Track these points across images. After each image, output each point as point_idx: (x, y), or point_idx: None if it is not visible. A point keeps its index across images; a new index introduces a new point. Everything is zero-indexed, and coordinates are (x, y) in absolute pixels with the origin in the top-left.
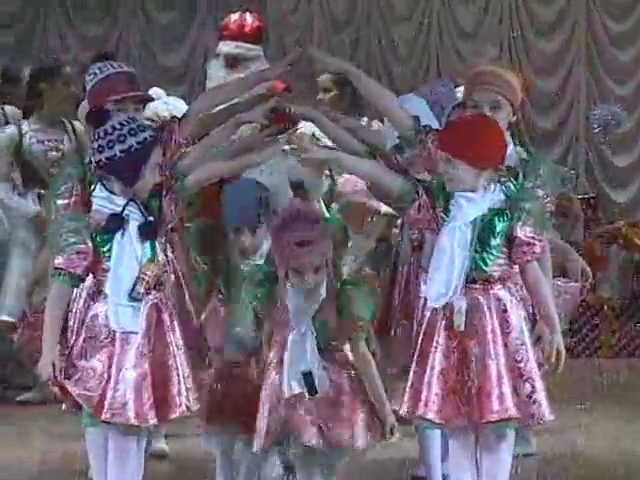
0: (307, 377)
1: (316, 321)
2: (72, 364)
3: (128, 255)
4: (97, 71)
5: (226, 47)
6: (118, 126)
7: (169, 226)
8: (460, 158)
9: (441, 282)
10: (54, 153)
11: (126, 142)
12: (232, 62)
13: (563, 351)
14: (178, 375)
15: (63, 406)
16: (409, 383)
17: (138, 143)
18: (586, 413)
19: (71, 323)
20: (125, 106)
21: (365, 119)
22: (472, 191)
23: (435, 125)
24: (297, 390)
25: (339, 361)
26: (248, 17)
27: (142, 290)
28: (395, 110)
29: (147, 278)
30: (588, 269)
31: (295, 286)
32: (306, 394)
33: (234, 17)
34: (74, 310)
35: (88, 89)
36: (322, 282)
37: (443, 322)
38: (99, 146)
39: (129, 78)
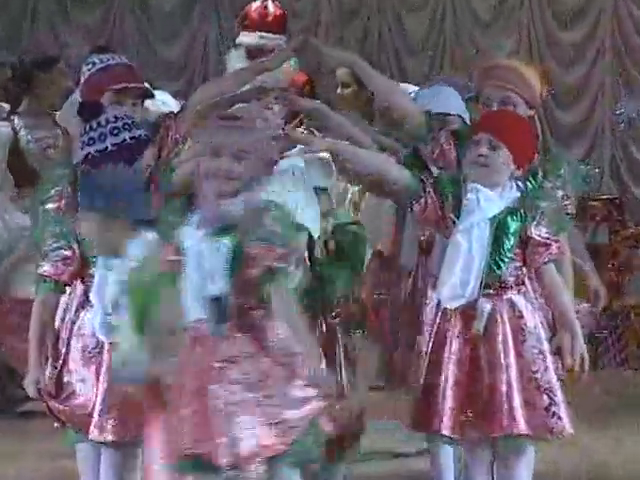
0: (215, 302)
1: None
2: (61, 378)
3: (115, 260)
4: (96, 60)
5: (248, 38)
6: (112, 119)
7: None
8: (508, 144)
9: (456, 282)
10: (52, 150)
11: (120, 136)
12: (255, 53)
13: (587, 357)
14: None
15: (55, 423)
16: (420, 396)
17: (132, 138)
18: (613, 428)
19: (63, 334)
20: (124, 99)
21: None
22: (492, 189)
23: (466, 114)
24: (201, 316)
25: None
26: (270, 5)
27: None
28: (406, 105)
29: None
30: (603, 292)
31: (207, 177)
32: (211, 326)
33: (255, 5)
34: (66, 319)
35: (84, 79)
36: (242, 190)
37: (456, 329)
38: (90, 139)
39: (130, 70)
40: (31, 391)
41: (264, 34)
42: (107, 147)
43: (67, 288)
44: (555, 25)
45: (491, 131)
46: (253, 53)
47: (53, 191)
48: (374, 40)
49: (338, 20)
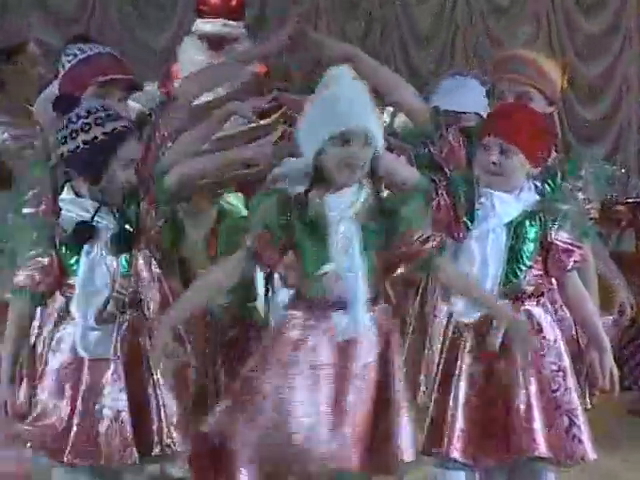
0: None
1: None
2: (34, 397)
3: (99, 270)
4: (77, 51)
5: (209, 25)
6: (84, 114)
7: (151, 233)
8: (520, 146)
9: None
10: (30, 151)
11: (91, 132)
12: (218, 43)
13: (616, 374)
14: (158, 407)
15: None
16: (429, 415)
17: (104, 134)
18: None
19: (40, 349)
20: (111, 92)
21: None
22: (508, 192)
23: (486, 111)
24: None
25: None
26: None
27: (115, 310)
28: (411, 101)
29: (121, 297)
30: (629, 304)
31: None
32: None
33: None
34: (43, 334)
35: (65, 72)
36: None
37: (468, 344)
38: (62, 137)
39: (116, 60)
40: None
41: (227, 21)
42: (78, 146)
43: (45, 299)
44: (576, 12)
45: (500, 134)
46: (215, 43)
47: (31, 194)
48: (378, 29)
49: (339, 7)
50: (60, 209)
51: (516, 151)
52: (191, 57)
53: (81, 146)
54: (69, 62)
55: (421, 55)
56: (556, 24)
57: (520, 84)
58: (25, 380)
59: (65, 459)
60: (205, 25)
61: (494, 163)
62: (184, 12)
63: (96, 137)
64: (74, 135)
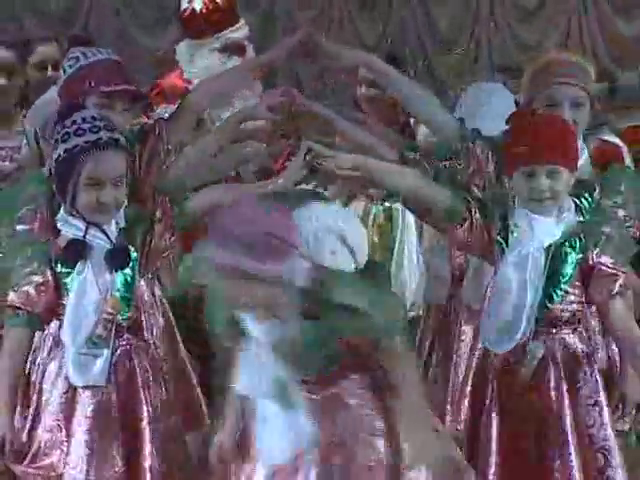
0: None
1: None
2: (29, 433)
3: (89, 290)
4: (79, 55)
5: (229, 34)
6: (59, 129)
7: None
8: (565, 164)
9: (506, 322)
10: (7, 164)
11: (57, 150)
12: (241, 48)
13: None
14: (152, 443)
15: None
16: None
17: (65, 151)
18: None
19: (34, 378)
20: (113, 102)
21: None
22: (550, 215)
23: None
24: None
25: None
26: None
27: (105, 333)
28: (435, 112)
29: (112, 318)
30: None
31: None
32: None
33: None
34: (37, 361)
35: (65, 78)
36: None
37: (497, 372)
38: (52, 151)
39: (120, 68)
40: None
41: (235, 25)
42: (52, 164)
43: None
44: (611, 13)
45: (547, 159)
46: (240, 48)
47: (25, 210)
48: (395, 31)
49: (354, 8)
50: (58, 227)
51: (563, 170)
52: (216, 65)
53: (53, 164)
54: (70, 67)
55: (442, 60)
56: (588, 26)
57: (577, 88)
58: (18, 411)
59: None
60: (228, 34)
61: (543, 190)
62: None
63: (59, 156)
64: (54, 150)
